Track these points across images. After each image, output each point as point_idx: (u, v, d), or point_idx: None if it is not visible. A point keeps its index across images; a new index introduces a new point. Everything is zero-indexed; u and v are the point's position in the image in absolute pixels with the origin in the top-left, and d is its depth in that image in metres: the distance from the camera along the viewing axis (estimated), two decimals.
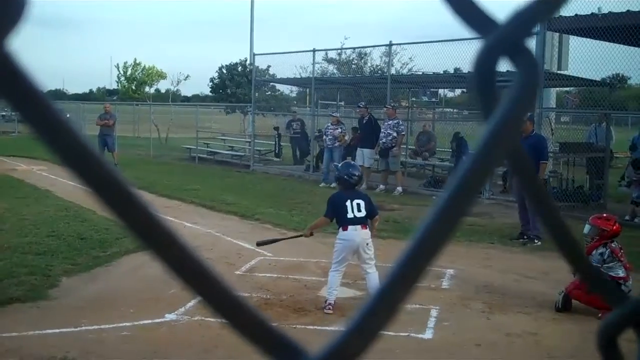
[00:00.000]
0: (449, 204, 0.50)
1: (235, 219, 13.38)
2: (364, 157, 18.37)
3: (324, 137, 20.00)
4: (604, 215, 8.12)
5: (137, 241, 0.44)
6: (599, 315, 7.36)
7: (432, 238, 0.51)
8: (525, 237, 11.53)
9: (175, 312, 7.31)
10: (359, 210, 7.52)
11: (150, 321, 7.09)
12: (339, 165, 8.97)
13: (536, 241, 11.27)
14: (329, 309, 7.44)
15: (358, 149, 18.80)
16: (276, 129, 25.54)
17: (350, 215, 7.53)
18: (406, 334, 6.81)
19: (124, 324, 6.92)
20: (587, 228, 7.75)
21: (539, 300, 7.93)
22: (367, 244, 7.55)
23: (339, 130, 19.43)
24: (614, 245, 7.56)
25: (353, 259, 7.73)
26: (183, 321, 7.11)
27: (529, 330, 7.01)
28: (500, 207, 15.37)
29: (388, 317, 0.49)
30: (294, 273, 9.09)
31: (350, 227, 7.54)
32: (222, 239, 11.33)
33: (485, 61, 0.55)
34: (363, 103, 20.10)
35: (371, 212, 7.78)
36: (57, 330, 6.77)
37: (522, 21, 0.54)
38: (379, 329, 0.49)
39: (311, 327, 6.97)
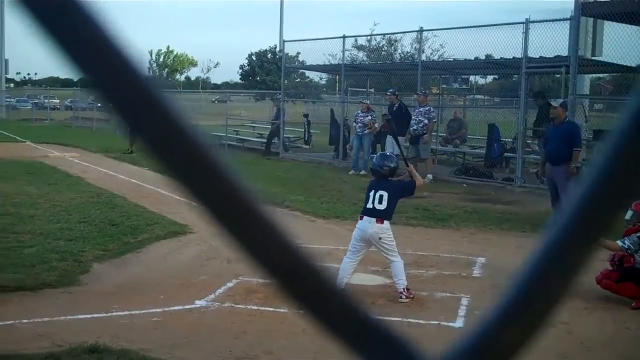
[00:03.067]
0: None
1: None
2: (394, 144, 18.12)
3: (354, 124, 19.91)
4: None
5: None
6: (633, 304, 7.25)
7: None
8: None
9: (205, 299, 7.33)
10: (380, 202, 7.42)
11: (180, 307, 7.12)
12: (375, 156, 8.92)
13: None
14: None
15: (388, 136, 18.65)
16: (305, 116, 25.48)
17: (369, 205, 7.46)
18: (436, 322, 6.77)
19: (155, 310, 6.96)
20: (629, 214, 7.60)
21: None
22: (380, 239, 7.41)
23: (369, 117, 19.31)
24: None
25: (373, 248, 7.66)
26: (213, 308, 7.13)
27: (561, 319, 6.89)
28: (531, 195, 15.19)
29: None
30: (323, 261, 9.04)
31: (365, 218, 7.48)
32: None
33: None
34: (392, 90, 19.95)
35: (405, 194, 7.81)
36: (89, 316, 6.82)
37: None
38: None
39: None
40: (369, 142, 19.03)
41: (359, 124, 19.32)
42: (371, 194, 7.50)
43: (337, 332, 0.42)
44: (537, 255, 0.42)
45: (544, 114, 15.09)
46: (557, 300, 0.42)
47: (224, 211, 0.39)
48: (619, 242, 7.44)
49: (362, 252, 7.66)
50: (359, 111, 19.74)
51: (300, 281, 0.41)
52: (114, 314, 6.85)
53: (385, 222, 7.45)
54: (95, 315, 6.82)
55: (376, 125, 19.17)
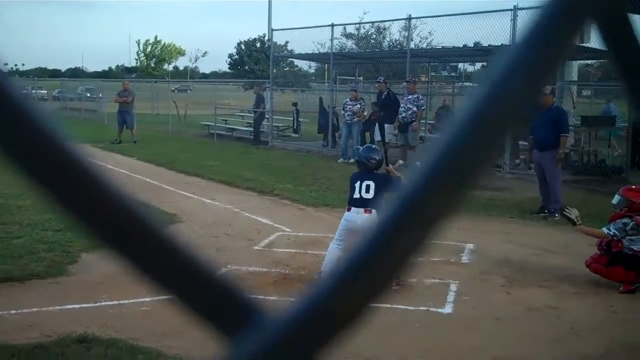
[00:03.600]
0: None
1: (254, 195, 13.37)
2: (384, 132, 18.21)
3: (343, 112, 19.91)
4: (634, 187, 7.98)
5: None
6: (621, 288, 7.31)
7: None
8: (545, 210, 11.43)
9: None
10: (367, 192, 7.41)
11: (168, 297, 7.11)
12: (361, 148, 8.88)
13: (557, 215, 11.12)
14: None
15: (377, 123, 18.67)
16: (294, 104, 25.44)
17: (356, 195, 7.44)
18: (425, 308, 6.79)
19: (144, 299, 6.93)
20: (616, 198, 7.66)
21: (559, 275, 7.85)
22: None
23: (358, 105, 19.31)
24: (639, 218, 7.46)
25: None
26: None
27: (550, 304, 6.94)
28: (520, 182, 15.23)
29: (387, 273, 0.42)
30: (313, 248, 9.07)
31: (353, 209, 7.47)
32: (241, 215, 11.32)
33: (561, 24, 0.42)
34: (382, 78, 20.01)
35: (389, 187, 7.78)
36: (77, 306, 6.81)
37: None
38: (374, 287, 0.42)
39: None
40: (358, 130, 19.03)
41: (348, 112, 19.31)
42: (357, 184, 7.48)
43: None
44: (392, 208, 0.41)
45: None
46: (409, 256, 0.41)
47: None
48: (605, 229, 7.50)
49: (348, 241, 7.67)
50: (348, 99, 19.72)
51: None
52: (103, 303, 6.84)
53: (373, 211, 7.43)
54: (84, 305, 6.81)
55: (365, 113, 19.18)
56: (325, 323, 0.40)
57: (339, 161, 18.63)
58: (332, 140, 21.36)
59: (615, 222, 7.47)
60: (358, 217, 7.40)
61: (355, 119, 19.03)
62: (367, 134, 19.06)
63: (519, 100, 0.40)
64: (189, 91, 36.94)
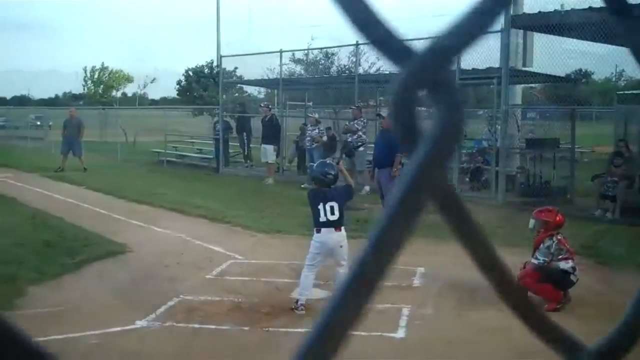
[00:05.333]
0: (374, 258, 0.49)
1: (205, 222, 13.29)
2: (267, 153, 20.47)
3: (305, 139, 20.12)
4: (546, 207, 8.29)
5: None
6: (545, 306, 7.52)
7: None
8: None
9: (146, 319, 7.24)
10: (332, 213, 7.52)
11: (120, 328, 7.01)
12: (315, 164, 9.00)
13: None
14: (301, 309, 7.43)
15: (262, 145, 20.84)
16: (245, 130, 25.38)
17: (323, 219, 7.54)
18: (378, 333, 6.82)
19: (93, 332, 6.84)
20: (532, 223, 7.95)
21: None
22: (341, 246, 7.55)
23: (317, 131, 19.46)
24: (560, 237, 7.71)
25: (328, 261, 7.73)
26: (154, 328, 7.04)
27: (501, 326, 7.03)
28: (468, 204, 15.26)
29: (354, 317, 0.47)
30: (266, 276, 9.05)
31: (323, 230, 7.57)
32: (192, 243, 11.24)
33: (402, 96, 0.47)
34: (266, 102, 22.42)
35: (347, 200, 7.92)
36: None
37: (442, 50, 0.46)
38: (346, 329, 0.47)
39: (284, 329, 6.95)
40: (318, 155, 19.13)
41: (308, 138, 19.51)
42: (320, 207, 7.55)
43: None
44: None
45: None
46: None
47: None
48: (534, 260, 7.72)
49: (320, 264, 7.72)
50: (309, 125, 19.98)
51: None
52: (52, 337, 6.70)
53: (342, 228, 7.60)
54: None
55: (324, 138, 19.34)
56: None
57: (302, 186, 18.60)
58: (303, 167, 21.71)
59: (539, 249, 7.73)
60: (330, 236, 7.52)
61: (314, 145, 19.18)
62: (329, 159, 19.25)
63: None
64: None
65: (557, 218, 7.78)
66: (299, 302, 7.49)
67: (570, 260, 7.64)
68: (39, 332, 6.83)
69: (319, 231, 7.61)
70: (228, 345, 6.51)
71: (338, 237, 7.56)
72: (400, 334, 6.87)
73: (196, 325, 7.05)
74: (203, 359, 6.23)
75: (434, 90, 0.47)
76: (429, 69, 0.47)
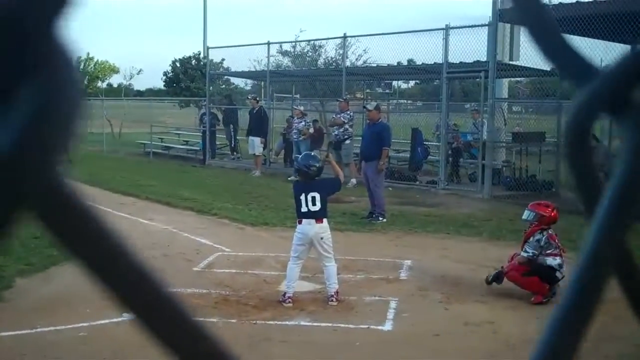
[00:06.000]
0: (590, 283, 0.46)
1: (192, 215, 13.27)
2: (255, 145, 20.55)
3: (292, 131, 20.11)
4: (543, 202, 8.34)
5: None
6: (532, 299, 7.59)
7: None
8: (373, 215, 12.49)
9: None
10: (314, 204, 7.54)
11: (108, 321, 6.99)
12: (299, 156, 9.02)
13: (380, 218, 12.38)
14: (289, 302, 7.45)
15: (249, 137, 20.89)
16: (232, 122, 25.35)
17: (304, 209, 7.56)
18: (366, 326, 6.86)
19: (81, 324, 6.83)
20: (526, 214, 7.99)
21: (495, 289, 8.04)
22: (322, 239, 7.56)
23: (303, 123, 19.45)
24: (551, 232, 7.77)
25: (312, 253, 7.75)
26: None
27: (487, 319, 7.11)
28: (455, 198, 15.55)
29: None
30: (253, 268, 9.06)
31: (304, 221, 7.59)
32: (179, 235, 11.23)
33: (580, 119, 0.42)
34: (253, 95, 22.70)
35: (332, 192, 7.96)
36: (13, 333, 6.64)
37: (635, 66, 0.41)
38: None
39: (272, 322, 6.97)
40: (305, 148, 19.12)
41: (294, 130, 19.50)
42: (302, 197, 7.57)
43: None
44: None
45: None
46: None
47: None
48: (524, 253, 7.78)
49: (305, 256, 7.74)
50: (295, 117, 19.97)
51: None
52: (39, 329, 6.69)
53: (324, 220, 7.61)
54: (20, 332, 6.64)
55: (310, 130, 19.35)
56: None
57: (289, 178, 18.58)
58: (290, 159, 21.70)
59: (528, 242, 7.77)
60: (311, 227, 7.52)
61: (301, 138, 19.19)
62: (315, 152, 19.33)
63: None
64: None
65: (553, 214, 7.83)
66: (287, 295, 7.51)
67: (558, 257, 7.69)
68: (26, 324, 6.82)
69: (300, 222, 7.65)
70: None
71: (319, 229, 7.56)
72: (388, 326, 6.90)
73: None
74: None
75: (621, 112, 0.42)
76: (619, 88, 0.42)
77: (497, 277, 7.94)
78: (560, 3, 13.44)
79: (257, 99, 21.98)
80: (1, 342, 6.36)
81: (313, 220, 7.53)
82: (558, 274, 7.67)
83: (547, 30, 0.45)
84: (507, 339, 6.59)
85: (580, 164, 0.43)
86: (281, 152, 22.64)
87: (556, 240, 7.78)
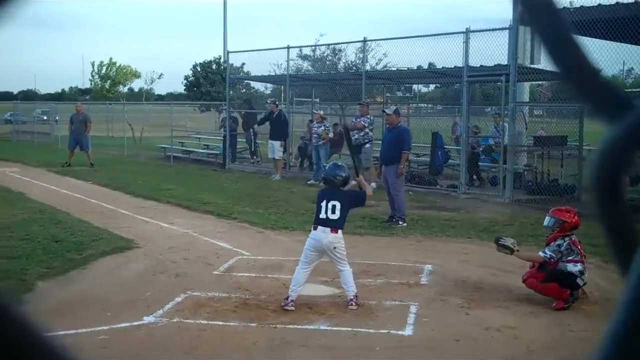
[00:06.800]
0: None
1: (212, 219, 13.30)
2: (274, 149, 20.57)
3: (311, 135, 20.11)
4: (564, 207, 8.26)
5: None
6: (554, 305, 7.50)
7: None
8: (393, 219, 12.44)
9: (154, 315, 7.25)
10: (333, 212, 7.48)
11: (128, 324, 7.02)
12: (327, 165, 8.99)
13: (400, 222, 12.32)
14: (291, 305, 7.40)
15: (269, 141, 21.01)
16: (252, 126, 25.41)
17: (322, 215, 7.51)
18: (386, 330, 6.82)
19: (101, 328, 6.85)
20: (547, 220, 7.90)
21: (516, 294, 7.97)
22: (335, 248, 7.49)
23: (322, 127, 19.45)
24: (574, 238, 7.68)
25: (326, 257, 7.71)
26: (161, 323, 7.05)
27: (508, 324, 7.04)
28: (476, 202, 15.46)
29: None
30: (273, 272, 9.05)
31: (319, 228, 7.53)
32: (200, 239, 11.26)
33: (611, 156, 0.38)
34: (273, 99, 22.49)
35: (355, 205, 7.92)
36: None
37: None
38: None
39: (291, 326, 6.95)
40: (325, 152, 19.15)
41: (314, 135, 19.50)
42: (323, 204, 7.54)
43: None
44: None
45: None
46: None
47: None
48: (541, 253, 7.71)
49: (315, 262, 7.70)
50: (314, 122, 19.97)
51: None
52: (60, 333, 6.72)
53: (339, 231, 7.52)
54: None
55: (330, 135, 19.34)
56: None
57: (308, 182, 18.58)
58: (305, 163, 21.81)
59: (549, 245, 7.70)
60: (324, 236, 7.46)
61: (320, 142, 19.18)
62: (335, 156, 19.44)
63: None
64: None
65: (574, 219, 7.74)
66: (289, 298, 7.46)
67: (579, 264, 7.59)
68: (46, 328, 6.84)
69: (315, 228, 7.59)
70: (235, 341, 6.52)
71: (333, 239, 7.47)
72: (408, 331, 6.86)
73: (203, 322, 7.06)
74: (210, 355, 6.24)
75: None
76: None
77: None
78: (582, 6, 13.32)
79: (277, 102, 22.00)
80: None
81: (328, 229, 7.47)
82: (579, 281, 7.57)
83: (570, 62, 0.40)
84: (529, 345, 6.53)
85: (612, 214, 0.37)
86: (298, 156, 22.66)
87: (579, 247, 7.68)
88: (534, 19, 0.38)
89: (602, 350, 0.43)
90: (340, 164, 8.81)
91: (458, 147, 19.07)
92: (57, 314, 7.27)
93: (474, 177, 18.03)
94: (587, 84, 0.38)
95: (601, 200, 0.35)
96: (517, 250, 8.00)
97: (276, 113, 20.99)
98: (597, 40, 14.17)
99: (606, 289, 8.03)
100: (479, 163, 18.12)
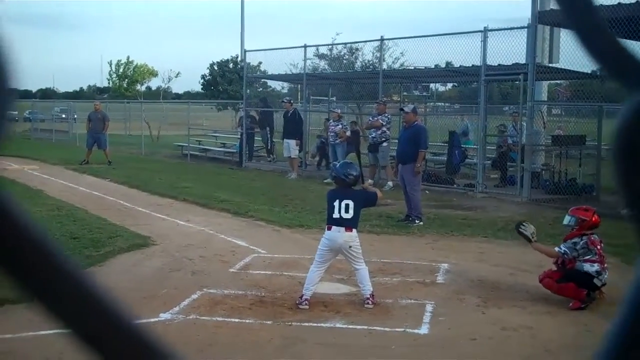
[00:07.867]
0: None
1: (229, 216, 13.34)
2: (290, 148, 20.60)
3: (328, 133, 20.11)
4: (583, 206, 8.21)
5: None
6: (570, 304, 7.44)
7: None
8: (409, 218, 12.39)
9: (170, 311, 7.28)
10: (347, 212, 7.47)
11: (144, 320, 7.05)
12: (337, 164, 8.96)
13: (417, 221, 12.26)
14: (305, 304, 7.39)
15: (284, 140, 20.98)
16: (268, 125, 25.46)
17: (336, 215, 7.49)
18: (402, 329, 6.80)
19: None
20: (566, 219, 7.85)
21: (532, 294, 7.92)
22: (350, 247, 7.47)
23: (340, 126, 19.43)
24: (593, 237, 7.61)
25: (341, 255, 7.70)
26: (178, 320, 7.08)
27: (524, 324, 7.00)
28: (493, 201, 15.38)
29: None
30: (289, 270, 9.06)
31: (334, 228, 7.51)
32: (216, 237, 11.29)
33: (635, 124, 0.37)
34: (288, 98, 22.71)
35: (366, 205, 7.90)
36: (52, 332, 6.71)
37: None
38: None
39: (307, 324, 6.95)
40: (342, 150, 19.13)
41: (331, 133, 19.50)
42: (336, 203, 7.52)
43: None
44: None
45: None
46: None
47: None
48: (557, 248, 7.66)
49: (329, 261, 7.70)
50: (331, 120, 19.97)
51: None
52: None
53: (353, 230, 7.51)
54: (58, 331, 6.70)
55: (347, 133, 19.31)
56: None
57: (325, 181, 18.56)
58: (320, 161, 21.85)
59: (566, 241, 7.64)
60: (339, 235, 7.45)
61: (337, 140, 19.17)
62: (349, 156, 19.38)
63: None
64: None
65: (594, 218, 7.69)
66: (303, 297, 7.46)
67: (596, 264, 7.52)
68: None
69: (329, 228, 7.56)
70: (251, 339, 6.53)
71: (348, 238, 7.46)
72: (424, 330, 6.84)
73: (219, 319, 7.07)
74: (226, 352, 6.26)
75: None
76: None
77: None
78: (602, 5, 13.19)
79: (292, 101, 22.15)
80: (41, 341, 6.44)
81: (342, 229, 7.46)
82: (596, 281, 7.49)
83: (596, 29, 0.39)
84: (545, 345, 6.49)
85: (635, 183, 0.36)
86: (317, 155, 22.63)
87: (598, 247, 7.60)
88: None
89: (606, 349, 0.42)
90: (350, 162, 8.79)
91: (475, 146, 19.00)
92: None
93: (503, 178, 17.84)
94: (608, 51, 0.37)
95: (625, 170, 0.34)
96: (535, 241, 7.97)
97: (291, 112, 21.11)
98: (618, 39, 14.04)
99: (624, 289, 7.95)
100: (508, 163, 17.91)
